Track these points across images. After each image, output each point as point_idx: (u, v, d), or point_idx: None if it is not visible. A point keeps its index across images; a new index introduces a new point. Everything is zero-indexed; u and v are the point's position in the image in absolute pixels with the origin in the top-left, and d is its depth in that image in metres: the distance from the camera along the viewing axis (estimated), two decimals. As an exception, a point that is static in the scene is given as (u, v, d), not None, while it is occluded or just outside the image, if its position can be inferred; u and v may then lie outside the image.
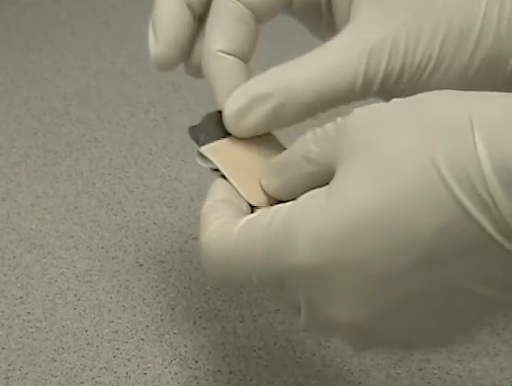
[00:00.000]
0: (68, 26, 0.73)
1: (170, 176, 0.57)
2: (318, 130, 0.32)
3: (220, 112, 0.37)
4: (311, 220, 0.30)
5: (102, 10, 0.76)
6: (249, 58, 0.38)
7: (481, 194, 0.27)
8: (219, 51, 0.37)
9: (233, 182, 0.36)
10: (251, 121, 0.36)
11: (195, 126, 0.38)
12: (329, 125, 0.32)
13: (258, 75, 0.36)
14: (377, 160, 0.29)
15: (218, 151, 0.37)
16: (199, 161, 0.37)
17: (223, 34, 0.37)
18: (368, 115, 0.31)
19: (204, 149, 0.37)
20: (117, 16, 0.75)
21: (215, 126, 0.37)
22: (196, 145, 0.37)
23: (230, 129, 0.37)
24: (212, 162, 0.36)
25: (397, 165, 0.28)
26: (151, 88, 0.65)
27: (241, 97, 0.36)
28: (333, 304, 0.31)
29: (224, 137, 0.37)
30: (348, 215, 0.29)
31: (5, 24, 0.73)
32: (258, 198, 0.35)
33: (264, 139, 0.37)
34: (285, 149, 0.37)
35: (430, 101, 0.30)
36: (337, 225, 0.29)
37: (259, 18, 0.38)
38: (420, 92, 0.32)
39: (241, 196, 0.35)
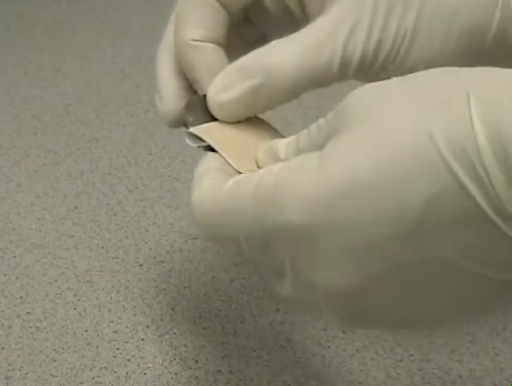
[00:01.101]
0: (68, 26, 0.73)
1: (170, 176, 0.57)
2: (321, 120, 0.33)
3: (205, 96, 0.38)
4: (301, 181, 0.30)
5: (102, 10, 0.76)
6: (224, 43, 0.39)
7: (476, 167, 0.27)
8: (192, 40, 0.38)
9: (224, 154, 0.36)
10: (230, 99, 0.36)
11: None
12: (329, 113, 0.32)
13: (240, 58, 0.37)
14: (373, 130, 0.29)
15: (209, 130, 0.37)
16: (188, 141, 0.37)
17: (193, 22, 0.38)
18: (365, 92, 0.31)
19: (193, 129, 0.37)
20: (117, 16, 0.75)
21: (203, 111, 0.38)
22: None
23: (214, 111, 0.37)
24: (202, 140, 0.37)
25: (393, 135, 0.28)
26: (151, 88, 0.65)
27: (223, 79, 0.36)
28: (319, 268, 0.30)
29: (211, 120, 0.38)
30: (339, 179, 0.29)
31: (5, 24, 0.73)
32: (249, 169, 0.36)
33: (254, 121, 0.38)
34: (276, 131, 0.38)
35: (427, 77, 0.30)
36: (327, 187, 0.29)
37: (227, 6, 0.39)
38: (398, 72, 0.33)
39: (233, 167, 0.36)
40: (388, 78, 0.31)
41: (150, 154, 0.59)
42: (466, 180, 0.27)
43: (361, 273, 0.30)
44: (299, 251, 0.31)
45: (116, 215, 0.53)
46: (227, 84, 0.36)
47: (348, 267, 0.30)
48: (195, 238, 0.52)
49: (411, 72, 0.33)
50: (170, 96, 0.39)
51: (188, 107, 0.38)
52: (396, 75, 0.32)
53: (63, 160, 0.58)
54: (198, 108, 0.38)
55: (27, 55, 0.69)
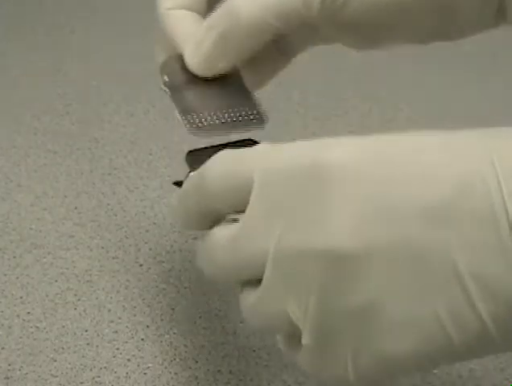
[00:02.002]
0: (68, 26, 0.73)
1: (170, 176, 0.57)
2: None
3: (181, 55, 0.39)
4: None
5: (102, 10, 0.76)
6: (202, 11, 0.40)
7: None
8: (168, 8, 0.39)
9: None
10: (203, 51, 0.38)
11: (192, 151, 0.39)
12: None
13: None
14: None
15: None
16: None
17: None
18: None
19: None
20: (117, 16, 0.75)
21: (180, 69, 0.39)
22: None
23: (192, 67, 0.38)
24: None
25: None
26: (151, 88, 0.65)
27: (196, 36, 0.38)
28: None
29: (188, 79, 0.39)
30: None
31: (5, 24, 0.73)
32: None
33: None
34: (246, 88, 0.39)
35: None
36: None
37: None
38: (363, 7, 0.35)
39: None
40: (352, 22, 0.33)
41: (150, 154, 0.59)
42: None
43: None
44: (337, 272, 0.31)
45: (116, 215, 0.53)
46: (200, 38, 0.38)
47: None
48: (195, 238, 0.51)
49: (376, 5, 0.35)
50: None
51: (164, 66, 0.40)
52: (361, 11, 0.33)
53: (63, 160, 0.58)
54: (175, 67, 0.39)
55: (27, 55, 0.69)
